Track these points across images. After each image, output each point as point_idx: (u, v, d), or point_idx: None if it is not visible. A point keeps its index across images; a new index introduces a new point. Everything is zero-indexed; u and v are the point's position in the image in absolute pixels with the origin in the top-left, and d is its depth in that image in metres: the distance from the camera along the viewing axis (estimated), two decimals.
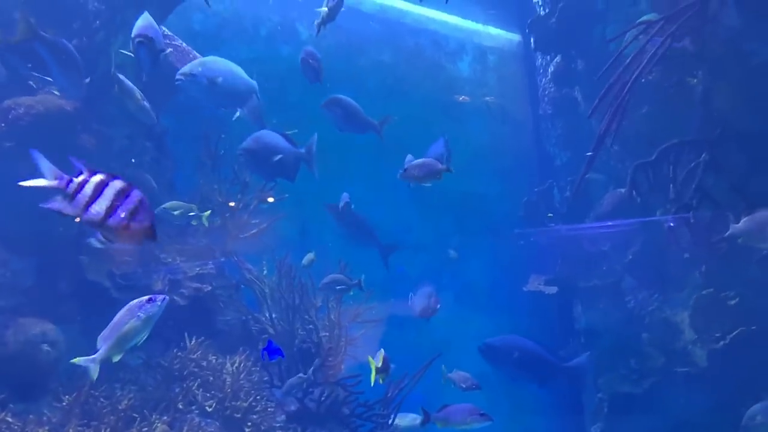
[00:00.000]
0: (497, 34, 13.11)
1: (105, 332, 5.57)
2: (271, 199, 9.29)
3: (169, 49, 7.94)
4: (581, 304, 11.17)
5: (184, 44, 9.45)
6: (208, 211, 8.26)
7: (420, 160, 7.43)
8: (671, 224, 8.43)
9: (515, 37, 13.11)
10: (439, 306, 8.73)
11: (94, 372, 5.57)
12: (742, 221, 6.97)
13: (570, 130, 11.55)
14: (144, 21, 6.94)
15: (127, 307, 5.56)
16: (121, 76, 7.44)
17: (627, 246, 10.39)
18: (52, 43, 7.04)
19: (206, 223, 8.30)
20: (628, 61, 8.00)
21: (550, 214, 11.53)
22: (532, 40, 11.52)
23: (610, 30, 9.47)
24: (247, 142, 8.07)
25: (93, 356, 5.56)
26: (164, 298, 5.58)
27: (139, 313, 5.50)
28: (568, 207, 11.06)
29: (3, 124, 7.53)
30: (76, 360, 5.59)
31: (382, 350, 7.01)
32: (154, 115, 7.68)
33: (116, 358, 5.62)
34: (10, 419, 6.79)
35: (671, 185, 8.18)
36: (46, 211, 5.78)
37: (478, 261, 11.54)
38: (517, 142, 12.42)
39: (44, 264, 7.77)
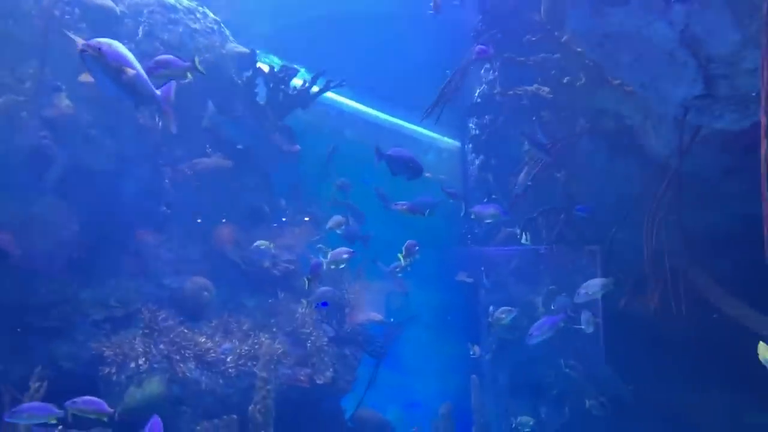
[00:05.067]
0: (449, 141, 13.17)
1: (331, 253, 6.63)
2: (306, 218, 9.08)
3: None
4: (484, 290, 11.20)
5: None
6: (273, 244, 7.85)
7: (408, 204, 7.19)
8: (541, 251, 8.46)
9: (457, 143, 12.99)
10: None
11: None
12: None
13: (483, 197, 11.25)
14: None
15: (341, 248, 6.59)
16: None
17: (510, 261, 10.41)
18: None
19: (273, 249, 7.87)
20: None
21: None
22: (470, 146, 11.47)
23: (513, 146, 9.40)
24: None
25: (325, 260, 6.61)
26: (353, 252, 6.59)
27: (346, 253, 6.51)
28: (481, 237, 11.14)
29: (191, 172, 7.64)
30: None
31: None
32: None
33: (332, 267, 6.61)
34: (185, 330, 6.89)
35: (543, 230, 8.22)
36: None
37: (433, 263, 11.54)
38: (455, 201, 12.40)
39: (207, 249, 7.85)
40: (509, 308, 7.49)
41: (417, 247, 7.37)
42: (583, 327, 7.57)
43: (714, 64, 4.41)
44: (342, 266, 7.03)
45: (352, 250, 6.84)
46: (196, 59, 4.14)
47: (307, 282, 6.49)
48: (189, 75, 4.14)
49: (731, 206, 6.06)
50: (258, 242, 7.62)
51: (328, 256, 6.80)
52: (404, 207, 7.17)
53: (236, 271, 7.96)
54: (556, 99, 6.80)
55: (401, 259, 7.34)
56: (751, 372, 4.40)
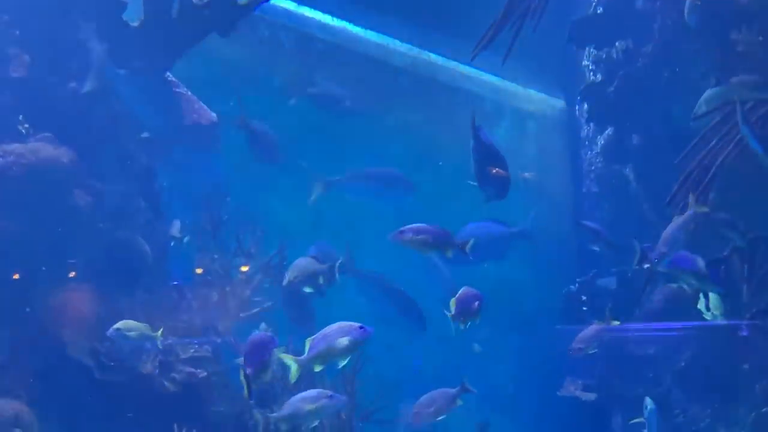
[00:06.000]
0: (539, 99, 13.15)
1: (315, 339, 6.45)
2: (244, 269, 9.20)
3: None
4: (621, 416, 11.13)
5: (189, 92, 9.51)
6: (161, 330, 7.87)
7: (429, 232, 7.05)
8: (743, 332, 8.34)
9: (559, 102, 13.17)
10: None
11: (295, 373, 6.39)
12: None
13: (618, 213, 11.61)
14: None
15: (338, 325, 6.46)
16: None
17: (678, 351, 10.39)
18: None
19: (160, 345, 7.94)
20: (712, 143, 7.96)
21: None
22: (585, 108, 11.67)
23: (675, 107, 9.46)
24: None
25: (299, 357, 6.38)
26: (372, 330, 6.52)
27: (350, 335, 6.41)
28: (613, 302, 11.02)
29: None
30: (282, 356, 6.47)
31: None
32: None
33: (317, 368, 6.53)
34: None
35: (745, 286, 8.12)
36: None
37: (506, 357, 11.50)
38: (555, 224, 12.36)
39: (19, 337, 7.85)
40: None
41: (478, 303, 7.29)
42: None
43: None
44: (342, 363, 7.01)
45: (361, 325, 6.76)
46: None
47: (245, 385, 6.43)
48: None
49: None
50: (123, 322, 7.55)
51: (308, 345, 6.64)
52: (417, 237, 6.97)
53: (84, 383, 7.93)
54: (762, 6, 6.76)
55: (450, 317, 7.35)
56: None
